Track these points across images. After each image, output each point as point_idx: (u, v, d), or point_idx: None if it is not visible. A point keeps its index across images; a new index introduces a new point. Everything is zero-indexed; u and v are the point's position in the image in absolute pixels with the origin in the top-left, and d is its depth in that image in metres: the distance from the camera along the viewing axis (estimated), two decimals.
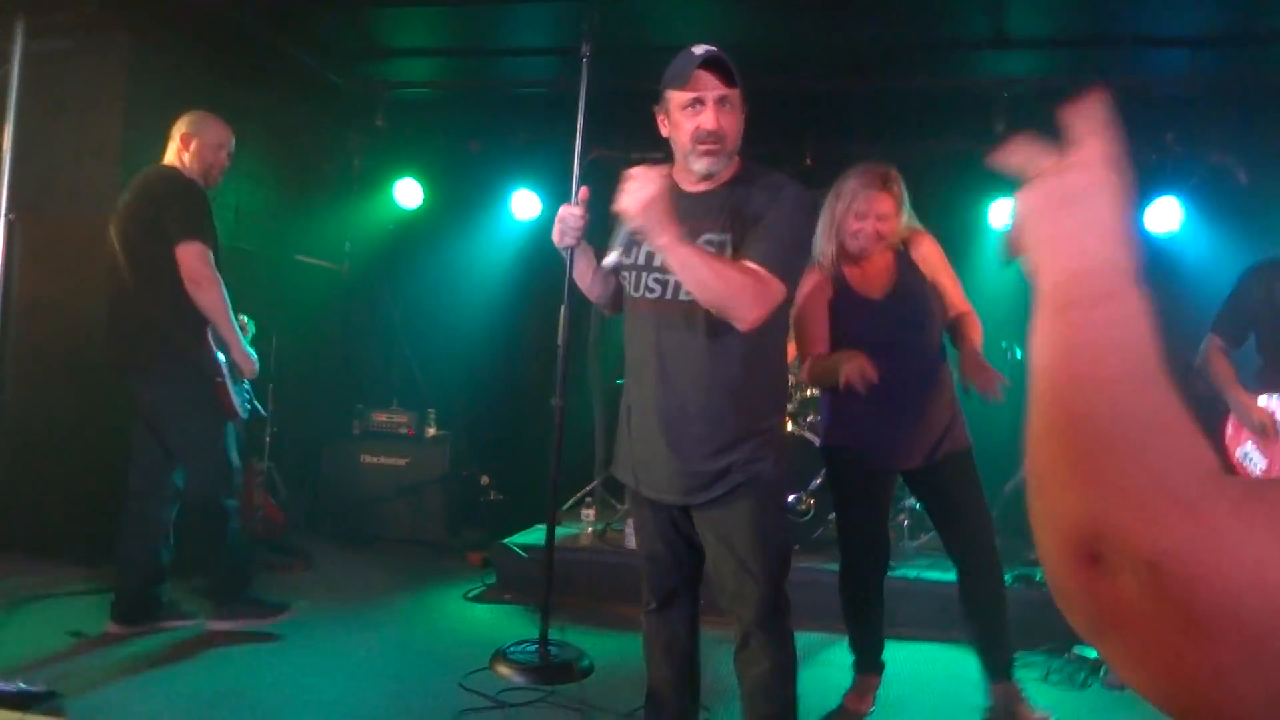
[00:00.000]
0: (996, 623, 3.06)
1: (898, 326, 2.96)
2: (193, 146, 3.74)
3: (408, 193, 6.20)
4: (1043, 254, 0.64)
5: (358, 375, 6.55)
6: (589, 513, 4.95)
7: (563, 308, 2.43)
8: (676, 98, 2.20)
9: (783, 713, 2.37)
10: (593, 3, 2.18)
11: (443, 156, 6.37)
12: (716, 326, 2.20)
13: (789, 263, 2.18)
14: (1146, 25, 4.79)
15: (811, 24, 4.91)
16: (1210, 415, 3.69)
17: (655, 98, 2.29)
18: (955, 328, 3.04)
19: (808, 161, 5.81)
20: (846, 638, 3.26)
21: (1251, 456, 3.55)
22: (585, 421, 6.10)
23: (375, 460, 5.72)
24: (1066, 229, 0.64)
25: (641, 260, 2.29)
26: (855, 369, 2.67)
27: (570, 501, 5.38)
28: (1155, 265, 5.52)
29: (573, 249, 2.42)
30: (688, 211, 2.17)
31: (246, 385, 3.76)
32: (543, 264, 6.43)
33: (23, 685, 2.72)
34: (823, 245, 2.96)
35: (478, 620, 4.19)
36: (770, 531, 2.29)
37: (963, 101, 5.40)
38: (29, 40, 4.91)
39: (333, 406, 6.19)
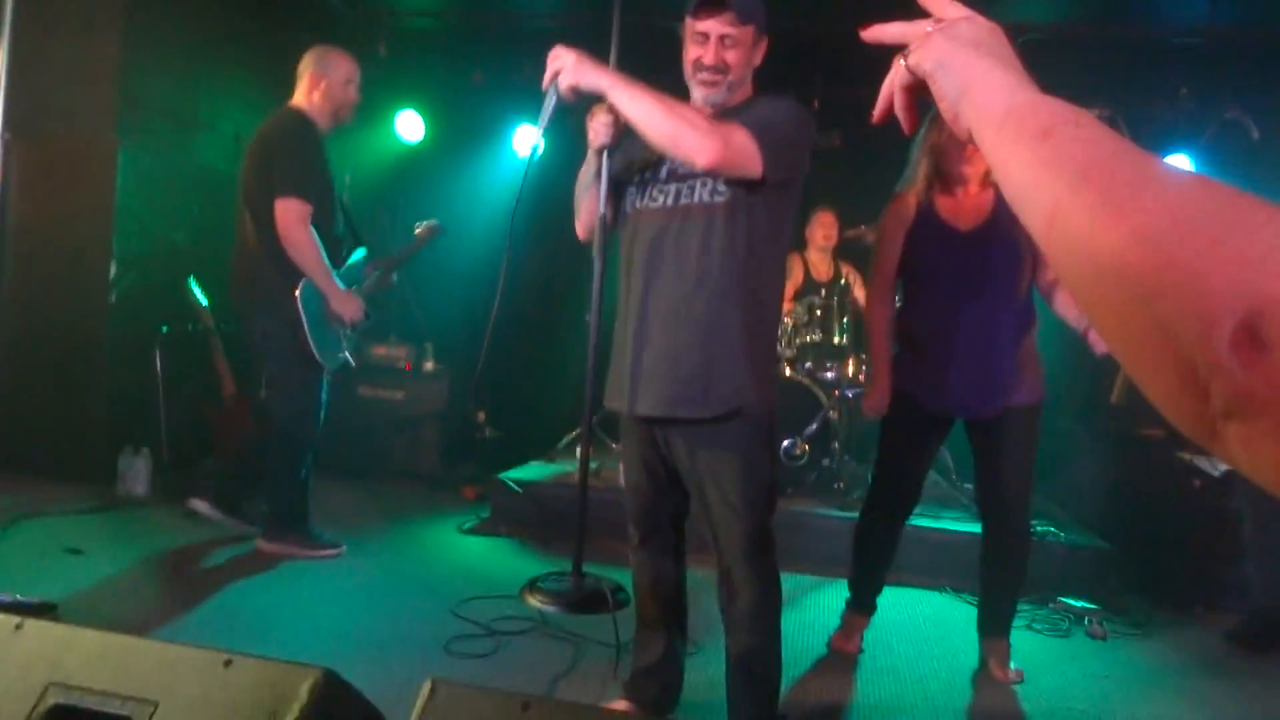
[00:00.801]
0: (1011, 584, 3.06)
1: (979, 265, 2.84)
2: (322, 86, 3.76)
3: (409, 125, 6.12)
4: (975, 97, 0.64)
5: None
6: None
7: (600, 216, 2.35)
8: (688, 23, 2.22)
9: (764, 644, 2.35)
10: None
11: (446, 89, 6.28)
12: (722, 236, 2.18)
13: (765, 130, 2.11)
14: None
15: None
16: None
17: (663, 33, 2.26)
18: (1053, 288, 2.87)
19: (816, 105, 5.73)
20: (847, 576, 3.25)
21: None
22: (577, 361, 6.15)
23: (372, 393, 5.73)
24: (987, 70, 0.65)
25: (648, 174, 2.29)
26: (871, 405, 2.95)
27: (565, 439, 5.40)
28: None
29: (606, 149, 2.33)
30: None
31: (347, 333, 3.83)
32: (544, 201, 6.37)
33: (19, 597, 2.75)
34: (916, 171, 2.89)
35: (471, 552, 4.23)
36: (755, 465, 2.26)
37: None
38: None
39: None
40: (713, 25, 2.16)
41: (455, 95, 6.29)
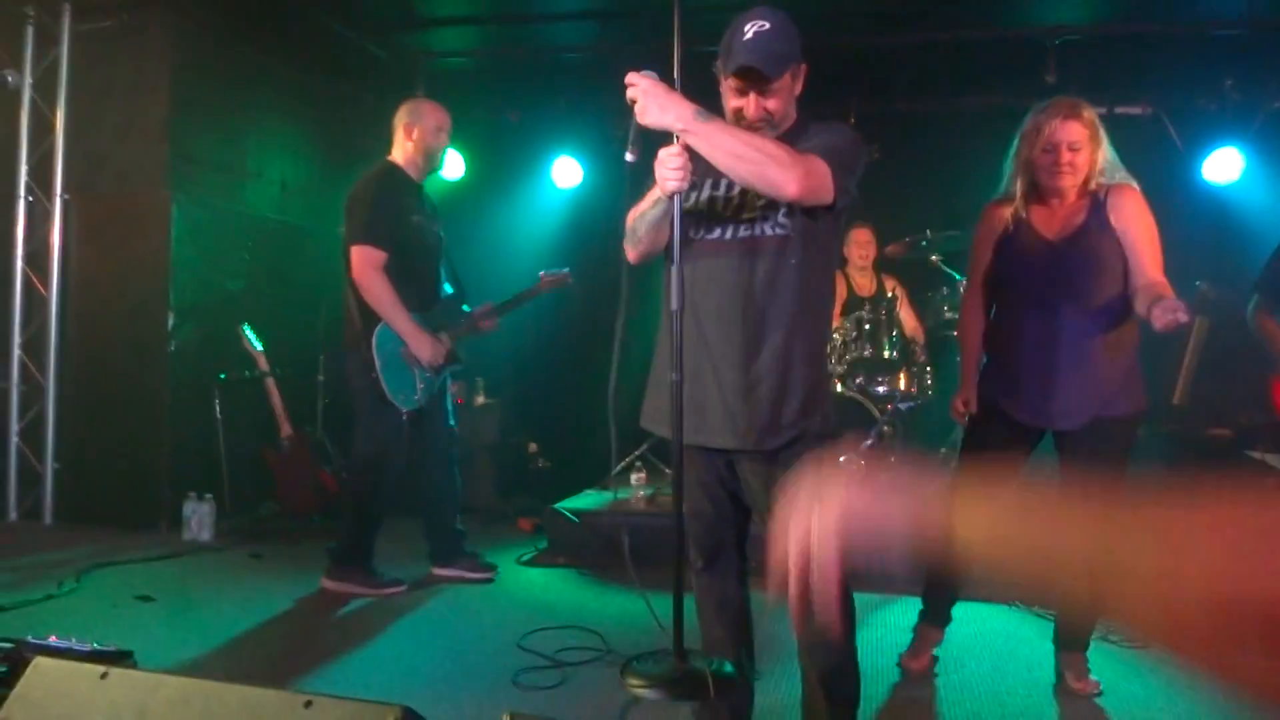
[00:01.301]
0: (1088, 598, 2.98)
1: (1068, 273, 2.78)
2: (415, 135, 3.93)
3: (450, 164, 6.21)
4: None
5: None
6: (639, 477, 4.96)
7: (678, 269, 2.19)
8: (724, 77, 2.21)
9: (843, 661, 2.35)
10: None
11: (483, 126, 6.37)
12: (783, 269, 2.19)
13: (835, 157, 2.13)
14: None
15: None
16: (1258, 368, 3.61)
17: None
18: (1139, 296, 2.72)
19: (852, 120, 5.72)
20: (919, 589, 3.19)
21: None
22: (626, 387, 6.16)
23: None
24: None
25: (705, 204, 2.28)
26: (956, 405, 2.95)
27: (619, 466, 5.40)
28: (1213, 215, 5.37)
29: (677, 193, 2.17)
30: None
31: (425, 375, 3.89)
32: (586, 231, 6.44)
33: (96, 645, 2.80)
34: (1011, 185, 2.88)
35: (532, 583, 4.24)
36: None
37: (1011, 52, 5.26)
38: (75, 21, 5.02)
39: None
40: (750, 84, 2.16)
41: (493, 132, 6.38)
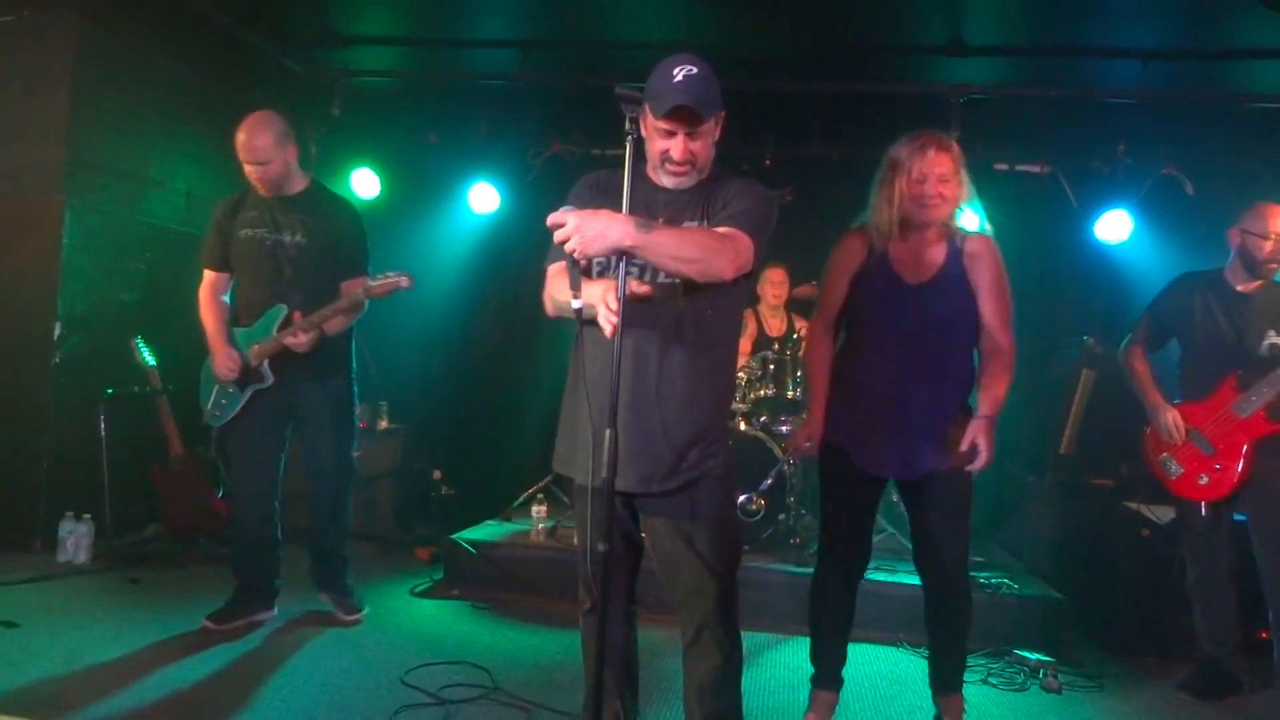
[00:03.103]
0: (956, 642, 3.01)
1: (923, 319, 2.78)
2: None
3: (364, 183, 6.12)
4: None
5: None
6: (540, 509, 4.91)
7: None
8: (650, 119, 2.24)
9: (731, 707, 2.40)
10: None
11: (401, 147, 6.30)
12: (693, 311, 2.24)
13: (755, 227, 2.24)
14: (1099, 37, 4.86)
15: (771, 25, 4.92)
16: (1139, 420, 3.77)
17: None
18: (981, 364, 2.83)
19: (767, 162, 5.83)
20: (810, 644, 3.10)
21: (1167, 463, 3.63)
22: (534, 418, 6.13)
23: None
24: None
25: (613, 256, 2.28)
26: (799, 441, 2.91)
27: (521, 498, 5.35)
28: (1104, 273, 5.62)
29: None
30: (664, 204, 2.30)
31: (223, 390, 3.76)
32: (500, 257, 6.40)
33: None
34: (877, 217, 2.81)
35: (423, 616, 4.15)
36: (727, 523, 2.37)
37: (920, 106, 5.44)
38: None
39: None
40: (681, 125, 2.21)
41: (410, 153, 6.30)
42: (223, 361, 3.67)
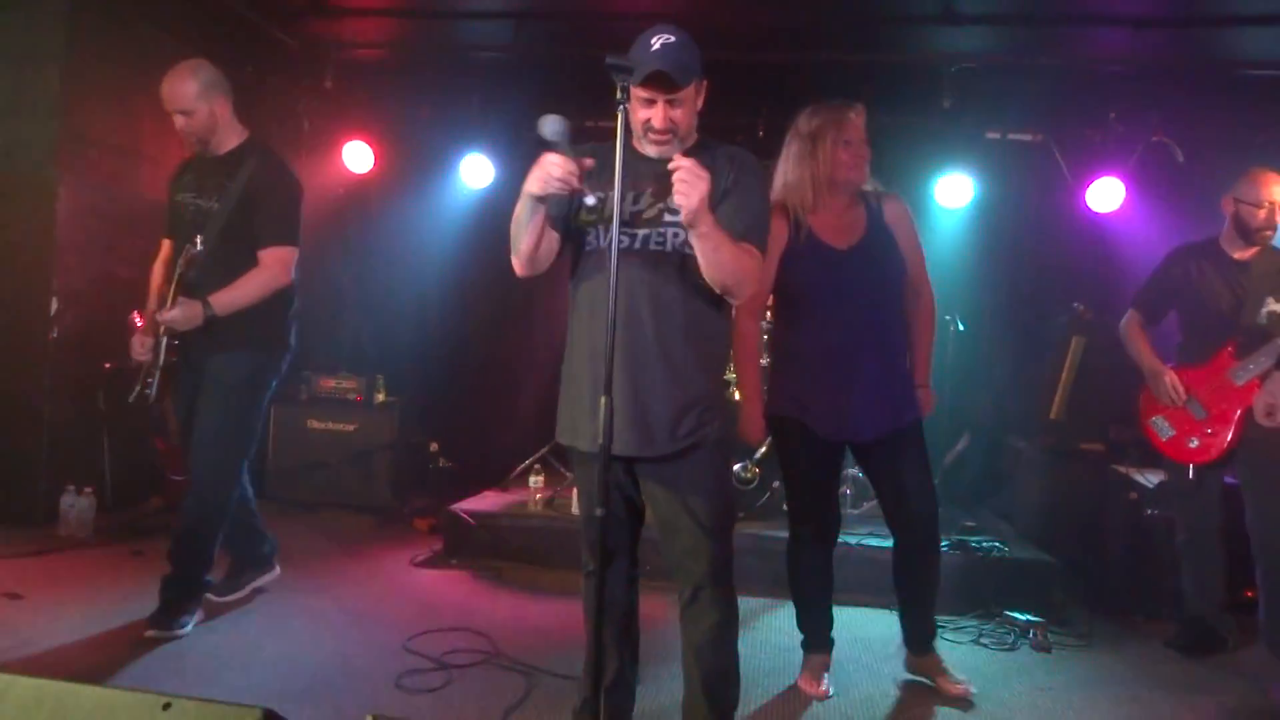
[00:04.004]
0: (925, 599, 3.09)
1: (861, 281, 2.84)
2: None
3: (357, 156, 6.11)
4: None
5: (306, 340, 6.45)
6: (538, 479, 4.97)
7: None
8: (632, 89, 2.25)
9: (728, 665, 2.46)
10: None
11: (394, 120, 6.28)
12: (687, 280, 2.29)
13: (765, 235, 2.37)
14: (1089, 4, 4.86)
15: None
16: (1129, 386, 3.84)
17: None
18: (909, 311, 2.98)
19: (761, 134, 5.83)
20: (795, 612, 3.21)
21: (1159, 425, 3.69)
22: (530, 390, 6.17)
23: (323, 426, 5.70)
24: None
25: (610, 213, 2.31)
26: (751, 434, 2.92)
27: (519, 469, 5.40)
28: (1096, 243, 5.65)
29: (546, 199, 2.24)
30: (653, 175, 2.29)
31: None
32: (494, 231, 6.39)
33: None
34: (799, 192, 2.86)
35: (423, 585, 4.21)
36: (724, 488, 2.44)
37: (912, 76, 5.45)
38: None
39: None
40: (659, 92, 2.24)
41: (403, 126, 6.30)
42: (137, 336, 3.41)
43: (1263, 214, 3.48)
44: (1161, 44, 5.13)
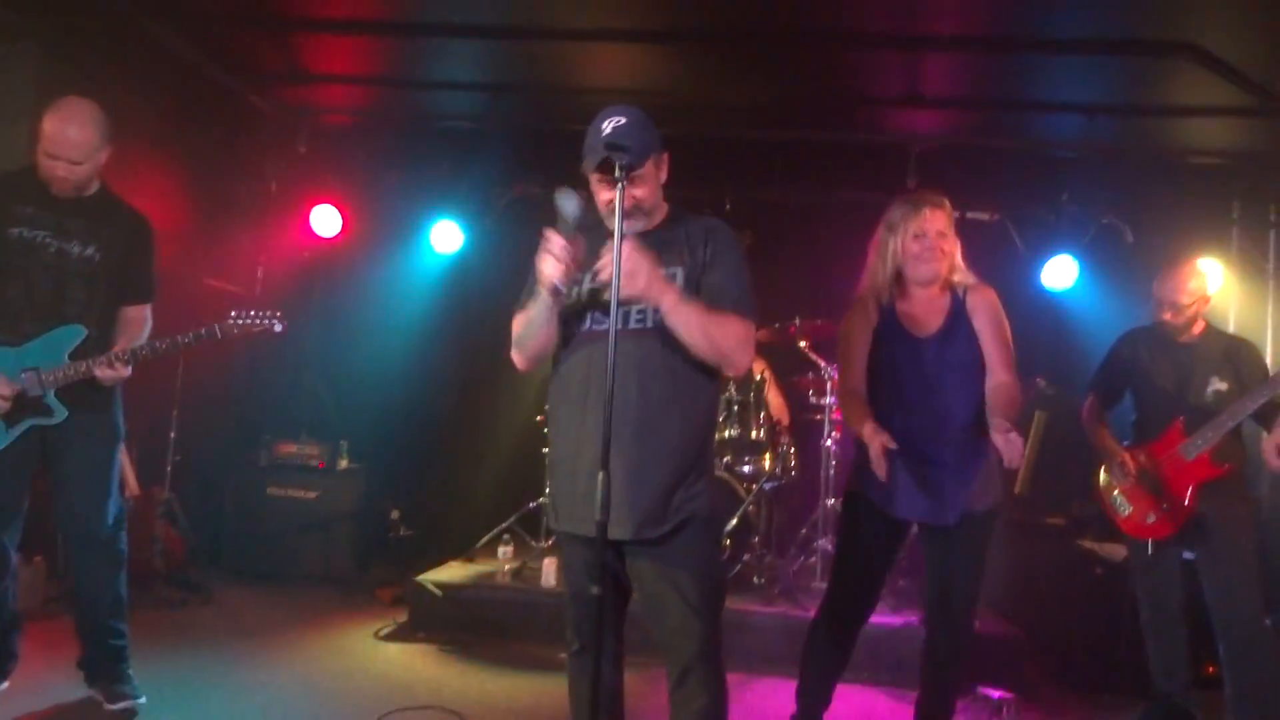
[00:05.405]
0: (948, 688, 3.09)
1: (941, 368, 2.88)
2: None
3: (325, 219, 6.10)
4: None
5: (266, 404, 6.37)
6: (506, 549, 4.90)
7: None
8: (589, 174, 2.31)
9: None
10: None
11: (363, 185, 6.29)
12: (673, 354, 2.28)
13: (753, 304, 2.35)
14: (1045, 93, 5.09)
15: (734, 76, 5.04)
16: (1089, 461, 3.93)
17: (577, 138, 2.35)
18: (988, 397, 2.88)
19: (727, 207, 5.94)
20: (797, 684, 3.15)
21: (1118, 501, 3.77)
22: (496, 458, 6.12)
23: (283, 493, 5.58)
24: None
25: (585, 296, 2.33)
26: (876, 450, 2.69)
27: (486, 538, 5.32)
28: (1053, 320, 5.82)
29: (558, 291, 2.24)
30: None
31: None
32: (462, 297, 6.40)
33: None
34: (877, 279, 2.96)
35: (390, 660, 4.10)
36: (713, 565, 2.41)
37: (877, 154, 5.62)
38: None
39: (239, 436, 6.01)
40: (610, 175, 2.24)
41: (373, 191, 6.30)
42: None
43: (1184, 313, 3.60)
44: (1112, 131, 5.38)
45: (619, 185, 2.13)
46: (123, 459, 4.72)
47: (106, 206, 3.28)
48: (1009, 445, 2.61)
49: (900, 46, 4.60)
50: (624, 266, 2.09)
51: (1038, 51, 4.56)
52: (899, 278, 2.96)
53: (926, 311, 2.96)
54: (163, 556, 4.78)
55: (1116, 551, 4.25)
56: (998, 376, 2.89)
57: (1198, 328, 3.68)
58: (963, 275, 2.99)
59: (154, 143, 5.48)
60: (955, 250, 2.94)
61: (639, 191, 2.31)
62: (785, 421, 5.44)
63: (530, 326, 2.34)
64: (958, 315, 2.93)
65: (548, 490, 2.46)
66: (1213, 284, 3.63)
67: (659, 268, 2.16)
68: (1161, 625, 3.72)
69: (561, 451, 2.40)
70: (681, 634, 2.33)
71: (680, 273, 2.33)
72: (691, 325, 2.20)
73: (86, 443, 3.23)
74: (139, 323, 3.30)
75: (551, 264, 2.18)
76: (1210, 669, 3.77)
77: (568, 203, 2.16)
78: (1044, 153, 5.70)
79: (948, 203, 2.94)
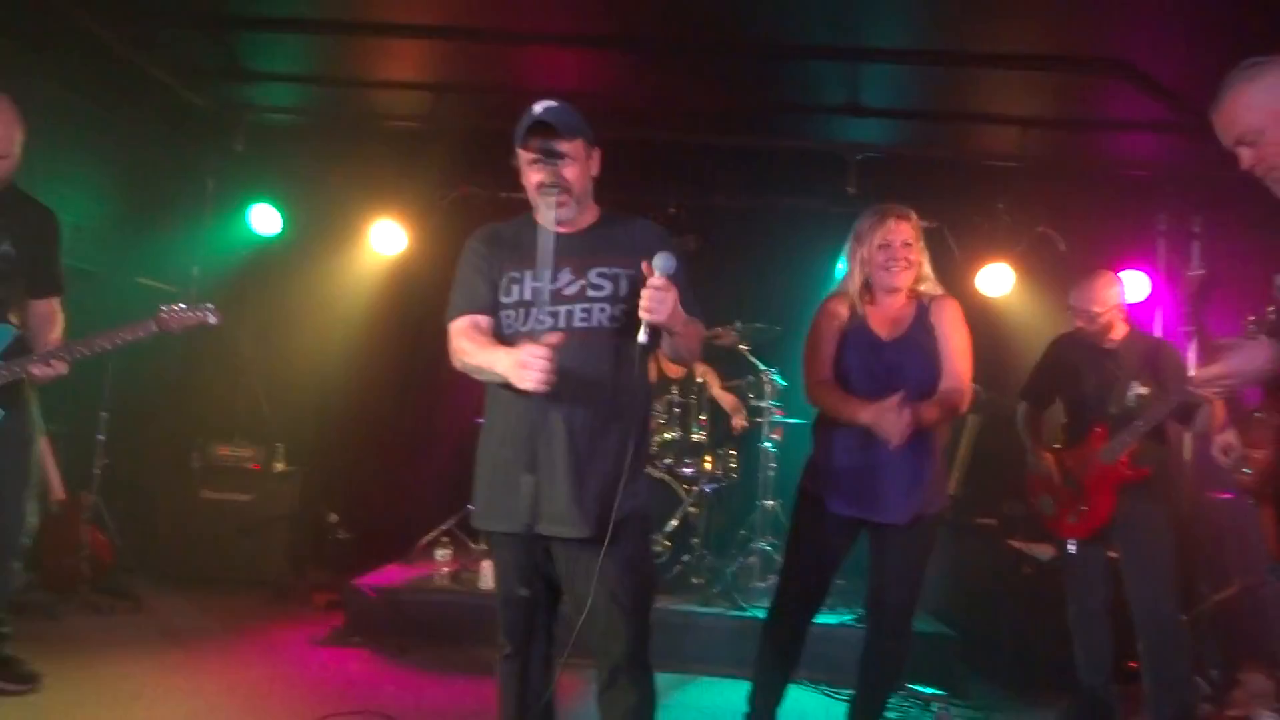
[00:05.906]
0: (886, 687, 3.15)
1: (896, 372, 2.95)
2: None
3: (264, 218, 6.00)
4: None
5: (200, 406, 6.23)
6: (445, 552, 4.86)
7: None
8: (521, 154, 2.34)
9: None
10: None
11: (303, 184, 6.20)
12: (613, 353, 2.31)
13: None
14: (982, 104, 5.21)
15: (678, 82, 5.08)
16: (1019, 463, 4.04)
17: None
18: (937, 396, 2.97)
19: (673, 211, 5.98)
20: (750, 685, 3.16)
21: (1044, 502, 3.88)
22: (435, 461, 6.06)
23: (217, 496, 5.48)
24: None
25: (528, 296, 2.34)
26: (895, 415, 2.74)
27: (424, 540, 5.28)
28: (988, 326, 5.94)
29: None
30: (571, 249, 2.33)
31: None
32: (402, 298, 6.34)
33: None
34: (848, 282, 3.05)
35: (325, 665, 4.04)
36: (645, 565, 2.43)
37: (819, 162, 5.70)
38: None
39: (171, 438, 5.88)
40: (545, 140, 2.29)
41: (313, 191, 6.22)
42: None
43: (1097, 322, 3.72)
44: (1046, 143, 5.52)
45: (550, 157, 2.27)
46: (48, 462, 4.62)
47: (16, 202, 3.23)
48: (906, 421, 2.75)
49: (842, 58, 4.68)
50: (659, 295, 2.16)
51: (976, 65, 4.67)
52: (867, 285, 3.05)
53: (891, 318, 3.04)
54: (90, 563, 4.65)
55: (1045, 551, 4.36)
56: (948, 382, 2.98)
57: (1119, 333, 3.79)
58: (930, 285, 3.08)
59: (83, 137, 5.35)
60: (922, 260, 3.03)
61: (568, 172, 2.33)
62: (742, 420, 5.41)
63: (475, 370, 2.35)
64: (919, 323, 3.02)
65: (475, 490, 2.45)
66: (1130, 293, 3.74)
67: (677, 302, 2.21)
68: (1086, 622, 3.82)
69: (491, 449, 2.40)
70: (611, 635, 2.34)
71: (623, 274, 2.35)
72: (690, 338, 2.32)
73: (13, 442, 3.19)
74: (52, 316, 3.26)
75: (535, 378, 2.14)
76: (1131, 664, 3.89)
77: (666, 263, 2.18)
78: (981, 163, 5.82)
79: (914, 214, 3.02)
